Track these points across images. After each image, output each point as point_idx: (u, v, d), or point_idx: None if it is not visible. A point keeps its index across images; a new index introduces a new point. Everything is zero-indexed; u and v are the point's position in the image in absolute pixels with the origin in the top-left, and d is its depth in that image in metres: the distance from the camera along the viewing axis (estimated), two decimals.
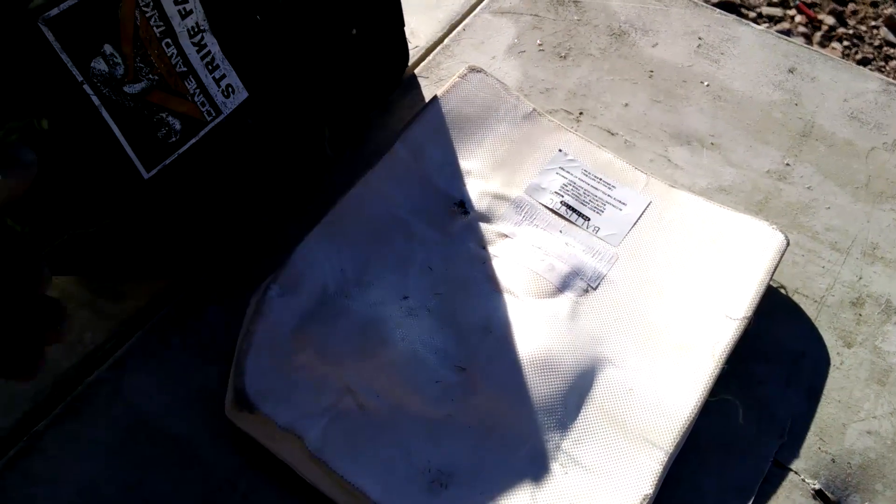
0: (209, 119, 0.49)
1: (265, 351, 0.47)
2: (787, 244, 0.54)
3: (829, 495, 0.49)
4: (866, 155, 0.64)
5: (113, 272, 0.54)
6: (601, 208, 0.57)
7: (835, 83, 0.69)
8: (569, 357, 0.49)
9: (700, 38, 0.72)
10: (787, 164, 0.63)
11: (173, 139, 0.48)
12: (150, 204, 0.48)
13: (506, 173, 0.58)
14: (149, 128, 0.46)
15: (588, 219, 0.56)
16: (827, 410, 0.52)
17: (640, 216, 0.57)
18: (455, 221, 0.55)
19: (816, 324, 0.55)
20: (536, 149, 0.60)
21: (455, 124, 0.59)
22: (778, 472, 0.50)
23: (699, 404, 0.48)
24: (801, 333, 0.55)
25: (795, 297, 0.56)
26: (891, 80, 0.69)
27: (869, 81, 0.69)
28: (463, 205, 0.56)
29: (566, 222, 0.56)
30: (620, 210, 0.57)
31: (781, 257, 0.54)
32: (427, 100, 0.62)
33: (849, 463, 0.50)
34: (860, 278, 0.58)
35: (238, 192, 0.53)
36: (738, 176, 0.63)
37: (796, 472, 0.50)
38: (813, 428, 0.51)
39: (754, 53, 0.71)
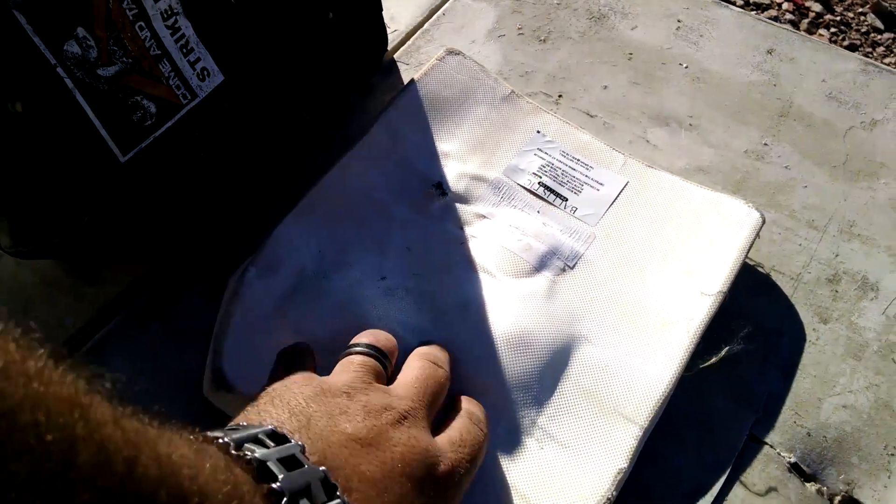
0: (185, 102, 0.49)
1: (243, 332, 0.47)
2: (763, 222, 0.55)
3: (805, 468, 0.49)
4: (844, 134, 0.65)
5: (91, 257, 0.54)
6: (579, 189, 0.57)
7: (813, 64, 0.69)
8: (545, 335, 0.49)
9: (679, 21, 0.72)
10: (766, 144, 0.64)
11: (149, 122, 0.48)
12: (127, 188, 0.48)
13: (484, 155, 0.59)
14: (124, 111, 0.46)
15: (566, 199, 0.57)
16: (803, 385, 0.52)
17: (618, 196, 0.57)
18: (433, 203, 0.56)
19: (793, 301, 0.56)
20: (514, 130, 0.60)
21: (433, 107, 0.60)
22: (753, 447, 0.50)
23: (674, 379, 0.48)
24: (777, 310, 0.55)
25: (773, 275, 0.57)
26: (869, 60, 0.69)
27: (847, 62, 0.69)
28: (441, 186, 0.56)
29: (544, 203, 0.57)
30: (598, 190, 0.57)
31: (757, 235, 0.54)
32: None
33: (824, 437, 0.51)
34: (837, 255, 0.58)
35: (216, 176, 0.53)
36: (717, 156, 0.63)
37: (772, 446, 0.50)
38: (789, 403, 0.52)
39: (733, 35, 0.71)
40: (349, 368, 0.41)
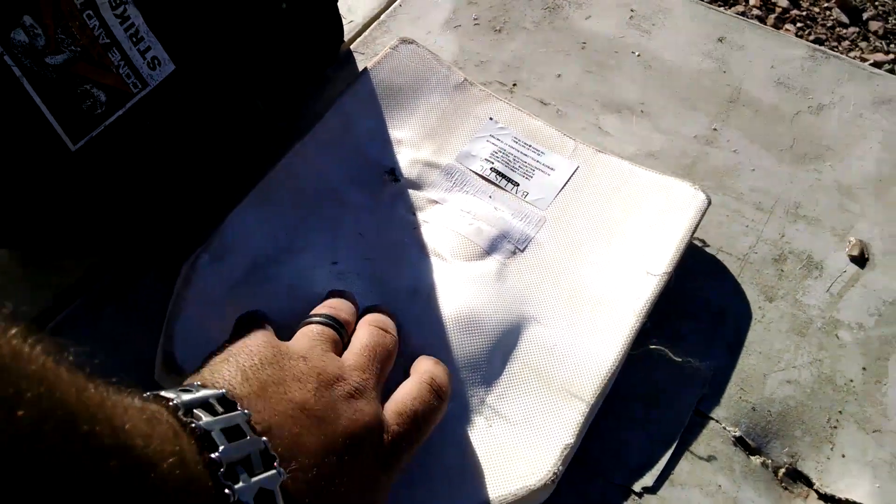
0: (135, 91, 0.50)
1: (194, 316, 0.48)
2: (709, 203, 0.56)
3: (750, 442, 0.51)
4: (791, 119, 0.66)
5: (44, 246, 0.54)
6: (530, 174, 0.58)
7: (762, 51, 0.71)
8: (494, 315, 0.50)
9: (632, 10, 0.73)
10: (715, 129, 0.65)
11: (99, 111, 0.48)
12: (79, 176, 0.49)
13: (437, 142, 0.60)
14: (73, 99, 0.47)
15: (517, 184, 0.58)
16: (748, 362, 0.54)
17: (568, 180, 0.58)
18: (386, 189, 0.56)
19: (739, 280, 0.57)
20: (467, 117, 0.61)
21: (386, 94, 0.60)
22: (700, 422, 0.51)
23: (621, 357, 0.49)
24: (724, 290, 0.57)
25: (720, 256, 0.58)
26: (817, 46, 0.71)
27: (796, 48, 0.71)
28: (393, 172, 0.57)
29: (496, 188, 0.58)
30: (549, 175, 0.58)
31: (703, 216, 0.55)
32: None
33: (769, 411, 0.52)
34: (783, 236, 0.59)
35: (170, 164, 0.54)
36: (667, 141, 0.64)
37: (717, 421, 0.51)
38: (734, 379, 0.53)
39: (685, 24, 0.72)
40: (308, 335, 0.42)
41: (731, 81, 0.68)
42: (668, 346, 0.53)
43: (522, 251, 0.54)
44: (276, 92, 0.61)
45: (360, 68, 0.67)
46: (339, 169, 0.57)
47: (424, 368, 0.45)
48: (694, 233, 0.55)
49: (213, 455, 0.31)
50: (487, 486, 0.44)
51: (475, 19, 0.72)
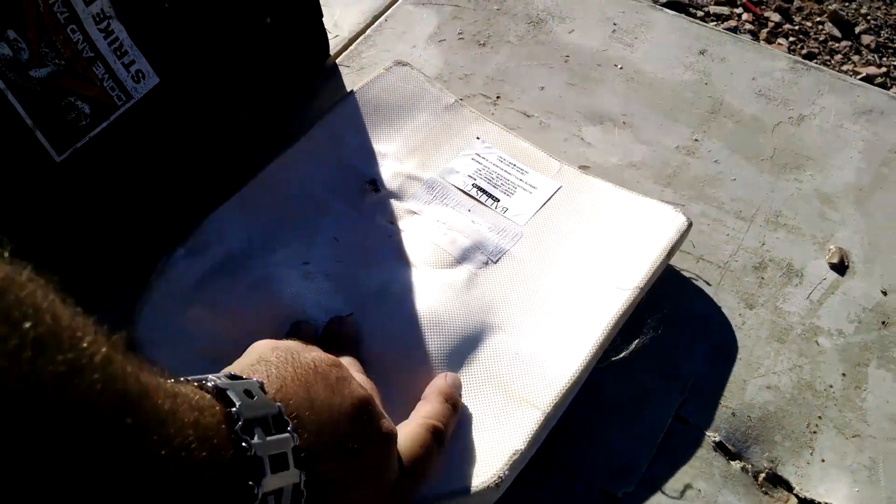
0: (120, 103, 0.51)
1: (162, 304, 0.50)
2: (690, 225, 0.56)
3: (730, 447, 0.51)
4: (772, 129, 0.67)
5: (29, 256, 0.55)
6: (512, 191, 0.59)
7: (744, 63, 0.71)
8: (458, 320, 0.51)
9: (615, 24, 0.74)
10: (696, 140, 0.66)
11: (83, 123, 0.49)
12: (63, 187, 0.49)
13: (421, 157, 0.60)
14: (57, 111, 0.48)
15: (497, 200, 0.58)
16: (728, 368, 0.54)
17: (549, 198, 0.58)
18: (366, 198, 0.57)
19: (720, 288, 0.58)
20: (454, 136, 0.62)
21: (375, 112, 0.62)
22: (680, 427, 0.52)
23: (582, 369, 0.49)
24: (705, 297, 0.57)
25: (700, 264, 0.59)
26: (797, 58, 0.72)
27: (776, 60, 0.72)
28: (374, 183, 0.58)
29: (475, 202, 0.58)
30: (531, 193, 0.59)
31: (683, 237, 0.56)
32: (348, 87, 0.64)
33: (749, 416, 0.52)
34: (763, 244, 0.60)
35: (155, 175, 0.55)
36: (648, 152, 0.65)
37: (698, 426, 0.52)
38: (715, 385, 0.53)
39: (667, 37, 0.73)
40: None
41: (713, 93, 0.69)
42: (650, 351, 0.54)
43: (495, 262, 0.55)
44: (261, 104, 0.61)
45: (346, 80, 0.69)
46: (322, 178, 0.58)
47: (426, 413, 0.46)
48: (672, 254, 0.55)
49: (231, 409, 0.31)
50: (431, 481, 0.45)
51: (460, 34, 0.73)
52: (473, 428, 0.47)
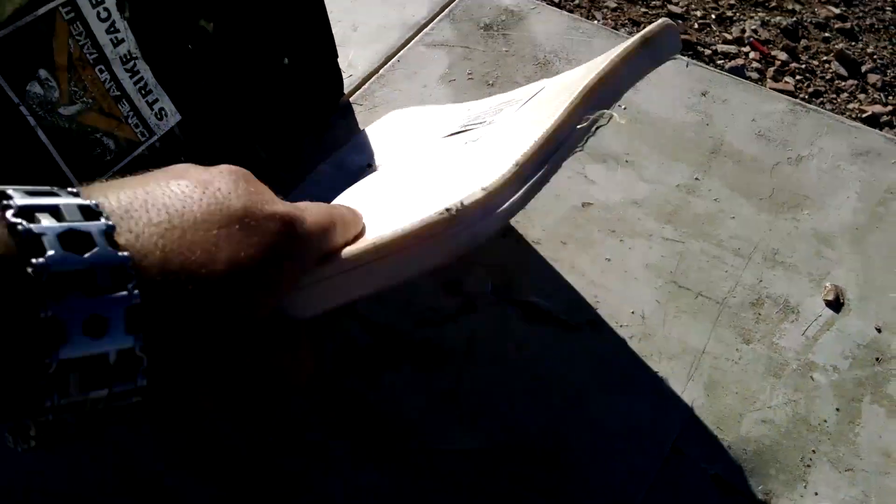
0: (143, 140, 0.53)
1: None
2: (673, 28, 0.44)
3: (725, 479, 0.52)
4: (771, 169, 0.69)
5: None
6: (499, 111, 0.57)
7: (744, 104, 0.74)
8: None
9: None
10: (697, 179, 0.68)
11: (108, 158, 0.52)
12: None
13: (419, 146, 0.62)
14: (83, 147, 0.50)
15: (486, 122, 0.55)
16: (725, 402, 0.56)
17: (534, 95, 0.53)
18: (361, 175, 0.59)
19: (717, 323, 0.59)
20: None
21: (379, 138, 0.64)
22: (676, 458, 0.53)
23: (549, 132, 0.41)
24: (702, 332, 0.59)
25: (699, 300, 0.60)
26: (797, 100, 0.74)
27: (776, 102, 0.74)
28: (370, 166, 0.60)
29: (467, 131, 0.57)
30: (515, 105, 0.58)
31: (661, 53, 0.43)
32: (360, 125, 0.66)
33: (744, 449, 0.54)
34: (760, 281, 0.62)
35: None
36: (650, 190, 0.67)
37: (694, 459, 0.53)
38: (711, 418, 0.55)
39: (670, 79, 0.76)
40: None
41: (714, 133, 0.71)
42: (646, 384, 0.55)
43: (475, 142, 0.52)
44: (277, 141, 0.64)
45: (359, 118, 0.71)
46: (327, 185, 0.60)
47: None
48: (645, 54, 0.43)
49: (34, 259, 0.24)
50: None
51: (469, 74, 0.76)
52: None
